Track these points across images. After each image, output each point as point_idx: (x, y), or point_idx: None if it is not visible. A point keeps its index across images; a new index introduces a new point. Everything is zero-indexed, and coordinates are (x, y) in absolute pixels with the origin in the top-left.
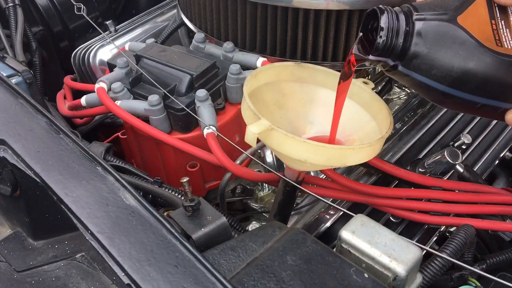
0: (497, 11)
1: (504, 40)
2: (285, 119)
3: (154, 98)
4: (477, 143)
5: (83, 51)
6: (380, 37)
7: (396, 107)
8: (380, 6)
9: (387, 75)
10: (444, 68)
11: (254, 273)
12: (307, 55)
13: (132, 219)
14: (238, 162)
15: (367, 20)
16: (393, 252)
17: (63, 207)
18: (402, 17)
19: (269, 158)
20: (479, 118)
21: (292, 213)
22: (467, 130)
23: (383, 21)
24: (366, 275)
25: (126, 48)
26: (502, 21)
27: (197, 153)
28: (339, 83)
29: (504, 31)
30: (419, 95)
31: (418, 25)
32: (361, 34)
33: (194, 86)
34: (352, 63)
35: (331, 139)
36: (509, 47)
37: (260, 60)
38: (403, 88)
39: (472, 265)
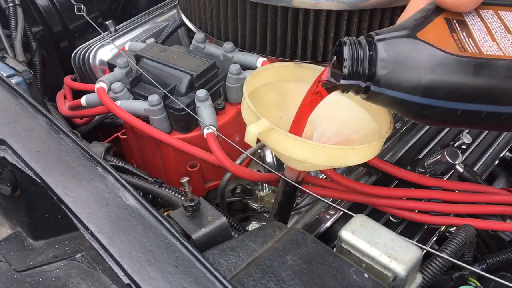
0: (457, 25)
1: (467, 46)
2: (285, 119)
3: (154, 98)
4: (477, 143)
5: (83, 51)
6: (345, 67)
7: None
8: (344, 38)
9: (364, 99)
10: (413, 79)
11: (254, 273)
12: (307, 55)
13: (132, 219)
14: (238, 162)
15: (338, 49)
16: (393, 252)
17: (63, 207)
18: (364, 43)
19: (269, 158)
20: None
21: (292, 213)
22: (467, 130)
23: (346, 52)
24: (366, 275)
25: (126, 48)
26: (464, 33)
27: (197, 153)
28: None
29: (467, 40)
30: None
31: (380, 45)
32: (334, 57)
33: (194, 86)
34: (320, 91)
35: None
36: (474, 51)
37: (260, 60)
38: None
39: (472, 265)
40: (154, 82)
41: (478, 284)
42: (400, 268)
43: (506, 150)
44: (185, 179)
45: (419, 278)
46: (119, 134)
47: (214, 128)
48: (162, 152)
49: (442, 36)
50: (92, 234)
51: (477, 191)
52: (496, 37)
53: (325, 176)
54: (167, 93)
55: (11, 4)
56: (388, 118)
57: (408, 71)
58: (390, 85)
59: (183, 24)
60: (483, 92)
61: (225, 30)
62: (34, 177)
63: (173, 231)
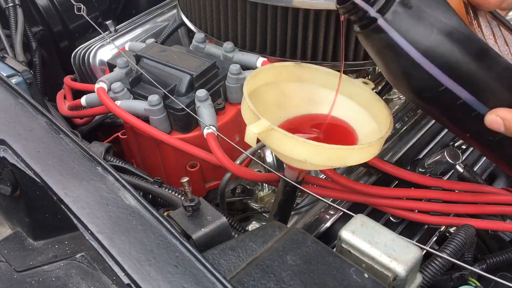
0: (471, 12)
1: (477, 32)
2: (285, 119)
3: (154, 98)
4: None
5: (83, 51)
6: None
7: (396, 107)
8: None
9: (358, 34)
10: (423, 32)
11: (254, 273)
12: (307, 55)
13: (132, 219)
14: (238, 162)
15: None
16: (393, 252)
17: (63, 207)
18: None
19: (269, 158)
20: None
21: (292, 213)
22: None
23: None
24: (366, 275)
25: (126, 48)
26: (475, 21)
27: (197, 153)
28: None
29: (476, 27)
30: None
31: None
32: None
33: (194, 86)
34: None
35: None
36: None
37: (260, 60)
38: None
39: (472, 265)
40: (154, 82)
41: (478, 284)
42: (400, 268)
43: None
44: (185, 179)
45: (419, 278)
46: (119, 134)
47: (214, 128)
48: (162, 152)
49: (460, 11)
50: (92, 234)
51: (477, 191)
52: (498, 41)
53: (325, 176)
54: (167, 93)
55: (11, 4)
56: (388, 118)
57: (422, 22)
58: (397, 28)
59: (183, 24)
60: (474, 78)
61: (225, 30)
62: (34, 177)
63: (173, 231)
